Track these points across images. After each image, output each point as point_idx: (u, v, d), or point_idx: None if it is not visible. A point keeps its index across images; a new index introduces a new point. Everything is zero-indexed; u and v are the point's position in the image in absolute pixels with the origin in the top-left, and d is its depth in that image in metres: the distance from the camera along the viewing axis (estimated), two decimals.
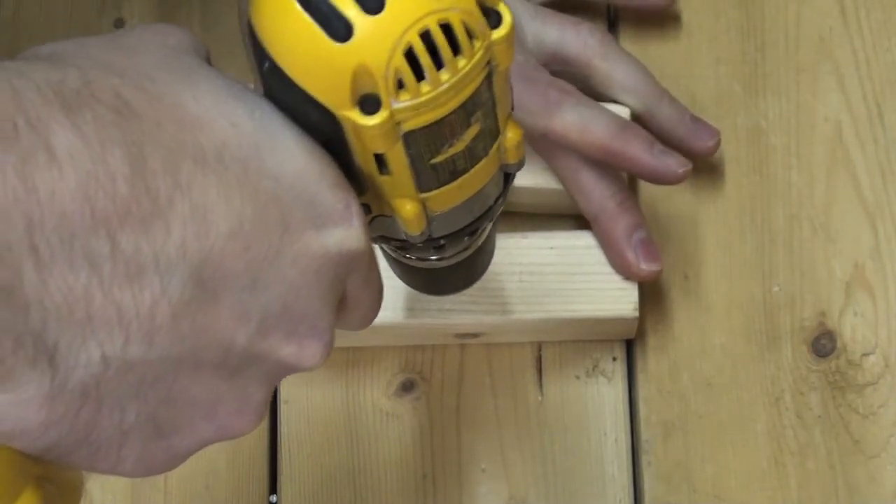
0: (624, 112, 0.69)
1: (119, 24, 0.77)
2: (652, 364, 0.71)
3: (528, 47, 0.69)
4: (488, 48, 0.43)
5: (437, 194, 0.46)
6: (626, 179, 0.70)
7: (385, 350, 0.71)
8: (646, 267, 0.67)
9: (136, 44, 0.43)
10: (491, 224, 0.52)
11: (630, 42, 0.75)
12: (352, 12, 0.40)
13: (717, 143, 0.70)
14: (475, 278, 0.58)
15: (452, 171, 0.45)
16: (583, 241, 0.69)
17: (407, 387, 0.71)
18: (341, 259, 0.43)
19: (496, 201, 0.49)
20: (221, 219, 0.40)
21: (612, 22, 0.76)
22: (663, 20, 0.76)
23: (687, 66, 0.75)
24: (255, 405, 0.44)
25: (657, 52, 0.75)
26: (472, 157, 0.45)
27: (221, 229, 0.40)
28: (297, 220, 0.42)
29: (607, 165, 0.68)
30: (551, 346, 0.71)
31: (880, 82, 0.74)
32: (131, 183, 0.39)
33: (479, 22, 0.42)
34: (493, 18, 0.43)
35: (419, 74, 0.41)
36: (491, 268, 0.68)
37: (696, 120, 0.70)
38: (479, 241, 0.53)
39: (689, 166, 0.67)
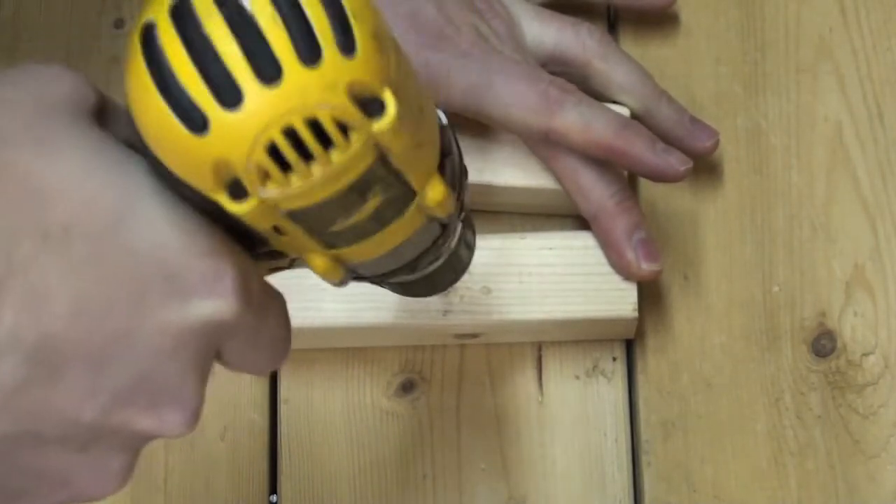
0: (623, 112, 0.69)
1: (119, 24, 0.77)
2: (652, 364, 0.71)
3: (527, 48, 0.69)
4: (368, 139, 0.40)
5: (349, 251, 0.44)
6: (627, 179, 0.70)
7: (385, 350, 0.71)
8: (646, 267, 0.67)
9: (9, 96, 0.41)
10: (456, 236, 0.51)
11: (630, 42, 0.75)
12: (208, 106, 0.38)
13: (716, 144, 0.70)
14: (452, 282, 0.57)
15: (361, 234, 0.43)
16: (582, 242, 0.69)
17: (407, 387, 0.71)
18: (207, 330, 0.42)
19: (437, 239, 0.48)
20: (61, 300, 0.39)
21: (612, 22, 0.76)
22: (663, 20, 0.76)
23: (687, 67, 0.75)
24: (114, 473, 0.44)
25: (657, 52, 0.75)
26: (379, 222, 0.43)
27: (60, 311, 0.39)
28: (154, 296, 0.41)
29: (606, 165, 0.68)
30: (551, 347, 0.71)
31: (880, 82, 0.74)
32: None
33: (353, 116, 0.39)
34: (375, 107, 0.40)
35: (286, 167, 0.39)
36: (490, 268, 0.68)
37: (694, 120, 0.70)
38: (439, 262, 0.51)
39: (690, 164, 0.67)
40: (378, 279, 0.49)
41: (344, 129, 0.39)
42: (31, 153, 0.39)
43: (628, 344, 0.71)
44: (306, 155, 0.39)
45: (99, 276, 0.40)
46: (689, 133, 0.70)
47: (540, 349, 0.71)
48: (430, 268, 0.51)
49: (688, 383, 0.70)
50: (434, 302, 0.68)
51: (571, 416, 0.70)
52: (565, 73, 0.69)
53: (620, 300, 0.68)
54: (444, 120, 0.46)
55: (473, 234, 0.55)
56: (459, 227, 0.50)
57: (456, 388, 0.71)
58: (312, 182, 0.40)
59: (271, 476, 0.70)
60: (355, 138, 0.40)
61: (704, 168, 0.73)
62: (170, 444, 0.70)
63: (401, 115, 0.40)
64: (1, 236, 0.38)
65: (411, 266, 0.48)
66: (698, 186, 0.73)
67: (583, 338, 0.70)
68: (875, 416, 0.69)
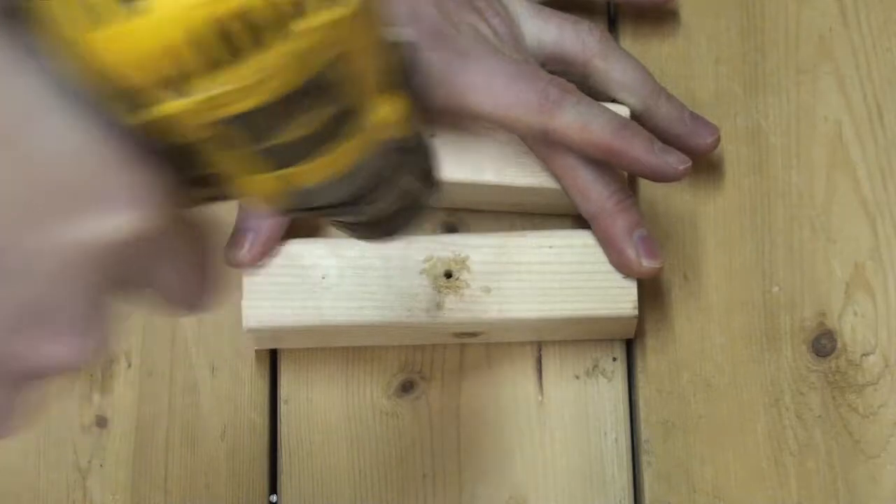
0: (623, 111, 0.69)
1: None
2: (652, 364, 0.71)
3: (526, 46, 0.69)
4: (316, 32, 0.38)
5: (292, 172, 0.41)
6: (627, 179, 0.70)
7: (385, 350, 0.71)
8: (647, 264, 0.67)
9: None
10: (414, 177, 0.47)
11: (630, 42, 0.75)
12: None
13: (717, 140, 0.70)
14: (408, 225, 0.51)
15: (302, 153, 0.41)
16: (582, 240, 0.69)
17: (407, 387, 0.71)
18: (115, 248, 0.39)
19: (397, 168, 0.45)
20: None
21: (613, 21, 0.76)
22: (663, 20, 0.76)
23: (687, 66, 0.75)
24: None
25: (657, 51, 0.75)
26: (324, 139, 0.40)
27: None
28: (54, 209, 0.37)
29: (605, 165, 0.68)
30: (551, 346, 0.71)
31: (880, 82, 0.74)
32: None
33: (289, 6, 0.37)
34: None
35: (234, 53, 0.37)
36: (490, 267, 0.67)
37: (695, 117, 0.71)
38: (393, 197, 0.47)
39: (689, 164, 0.67)
40: (330, 212, 0.46)
41: (288, 17, 0.37)
42: None
43: (628, 344, 0.71)
44: (254, 42, 0.37)
45: None
46: (690, 130, 0.70)
47: (540, 349, 0.71)
48: (384, 203, 0.47)
49: (688, 383, 0.70)
50: (432, 301, 0.68)
51: (571, 416, 0.70)
52: (565, 72, 0.69)
53: (621, 299, 0.68)
54: (409, 39, 0.44)
55: (434, 168, 0.49)
56: (419, 157, 0.47)
57: (456, 388, 0.71)
58: (242, 86, 0.37)
59: (271, 476, 0.70)
60: (302, 27, 0.37)
61: (704, 168, 0.73)
62: (170, 446, 0.70)
63: (352, 14, 0.38)
64: None
65: (366, 198, 0.45)
66: (698, 186, 0.73)
67: (583, 337, 0.70)
68: (875, 415, 0.69)
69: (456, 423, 0.70)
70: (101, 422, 0.70)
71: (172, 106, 0.37)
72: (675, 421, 0.70)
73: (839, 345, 0.70)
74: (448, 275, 0.68)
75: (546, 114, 0.66)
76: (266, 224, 0.69)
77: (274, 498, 0.70)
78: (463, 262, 0.68)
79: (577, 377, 0.71)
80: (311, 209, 0.44)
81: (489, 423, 0.70)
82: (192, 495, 0.70)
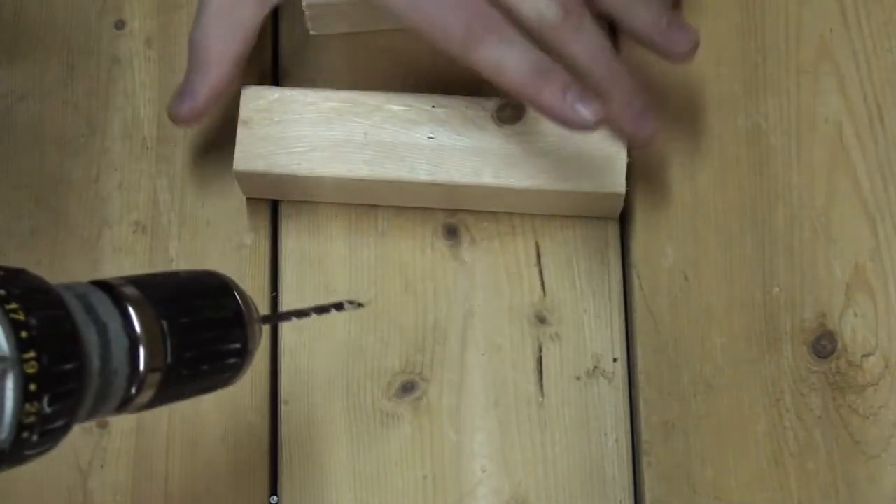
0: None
1: (120, 25, 0.77)
2: (652, 365, 0.71)
3: None
4: None
5: None
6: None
7: (385, 350, 0.71)
8: (585, 112, 0.64)
9: None
10: None
11: (630, 41, 0.75)
12: None
13: (694, 48, 0.67)
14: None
15: None
16: None
17: (407, 387, 0.71)
18: None
19: None
20: None
21: (611, 29, 0.76)
22: None
23: (687, 67, 0.75)
24: None
25: None
26: None
27: None
28: None
29: None
30: (552, 347, 0.71)
31: (881, 83, 0.74)
32: None
33: None
34: None
35: None
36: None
37: (673, 23, 0.68)
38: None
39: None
40: None
41: None
42: None
43: (629, 344, 0.71)
44: None
45: None
46: (665, 38, 0.67)
47: (540, 349, 0.71)
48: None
49: (688, 384, 0.70)
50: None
51: (572, 417, 0.70)
52: None
53: (611, 175, 0.69)
54: None
55: None
56: None
57: (456, 389, 0.71)
58: None
59: (272, 477, 0.70)
60: None
61: (704, 168, 0.73)
62: (171, 447, 0.70)
63: None
64: None
65: None
66: (698, 187, 0.73)
67: (571, 212, 0.72)
68: (875, 416, 0.69)
69: (456, 423, 0.70)
70: (102, 423, 0.70)
71: None
72: (675, 422, 0.70)
73: (839, 346, 0.70)
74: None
75: (465, 48, 0.65)
76: (211, 77, 0.70)
77: (274, 499, 0.70)
78: None
79: (578, 378, 0.71)
80: None
81: (489, 424, 0.70)
82: (192, 496, 0.70)
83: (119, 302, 0.49)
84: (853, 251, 0.72)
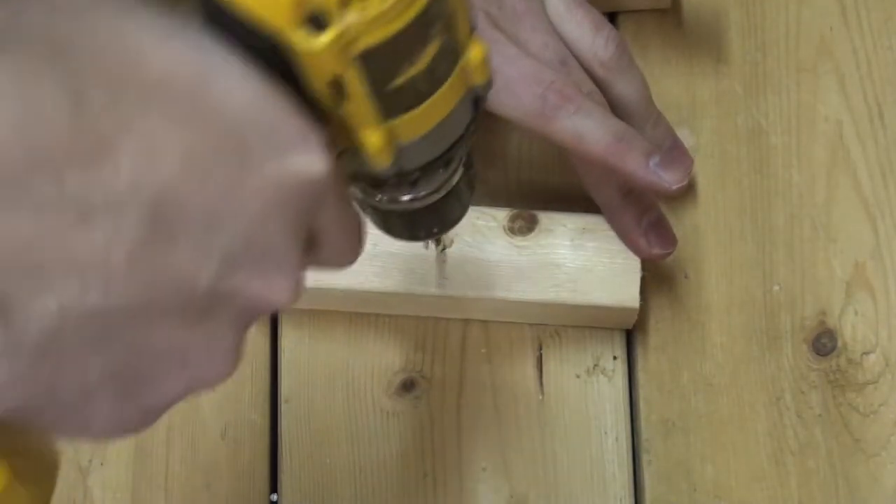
0: None
1: None
2: (652, 363, 0.71)
3: (544, 26, 0.67)
4: None
5: (403, 121, 0.44)
6: None
7: (385, 349, 0.71)
8: (658, 251, 0.69)
9: None
10: (464, 161, 0.51)
11: (631, 42, 0.75)
12: None
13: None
14: (452, 222, 0.55)
15: (416, 95, 0.44)
16: (585, 223, 0.70)
17: (407, 386, 0.71)
18: (305, 189, 0.41)
19: (468, 128, 0.48)
20: (172, 153, 0.38)
21: (613, 21, 0.76)
22: (664, 20, 0.76)
23: (687, 67, 0.75)
24: (227, 350, 0.43)
25: (657, 52, 0.75)
26: (434, 78, 0.44)
27: (173, 164, 0.38)
28: (254, 151, 0.40)
29: None
30: (552, 345, 0.71)
31: (881, 82, 0.74)
32: (72, 119, 0.37)
33: None
34: None
35: None
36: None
37: (671, 151, 0.68)
38: (454, 180, 0.51)
39: (684, 182, 0.66)
40: (411, 186, 0.49)
41: None
42: (112, 19, 0.39)
43: (629, 342, 0.71)
44: None
45: (202, 129, 0.39)
46: (663, 164, 0.67)
47: (541, 348, 0.71)
48: (453, 181, 0.51)
49: (688, 382, 0.70)
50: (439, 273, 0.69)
51: (572, 415, 0.70)
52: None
53: (624, 288, 0.68)
54: None
55: (474, 180, 0.54)
56: (466, 155, 0.51)
57: (457, 387, 0.71)
58: (390, 3, 0.40)
59: (272, 475, 0.70)
60: None
61: (704, 168, 0.73)
62: (171, 444, 0.70)
63: None
64: (107, 91, 0.38)
65: (445, 158, 0.48)
66: (698, 186, 0.73)
67: (584, 324, 0.70)
68: (875, 414, 0.69)
69: (456, 421, 0.70)
70: None
71: (313, 42, 0.40)
72: (675, 420, 0.70)
73: (839, 344, 0.70)
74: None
75: (544, 120, 0.65)
76: None
77: (274, 497, 0.70)
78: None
79: (578, 376, 0.71)
80: (402, 174, 0.47)
81: (490, 422, 0.70)
82: (192, 494, 0.70)
83: None
84: (853, 249, 0.72)
